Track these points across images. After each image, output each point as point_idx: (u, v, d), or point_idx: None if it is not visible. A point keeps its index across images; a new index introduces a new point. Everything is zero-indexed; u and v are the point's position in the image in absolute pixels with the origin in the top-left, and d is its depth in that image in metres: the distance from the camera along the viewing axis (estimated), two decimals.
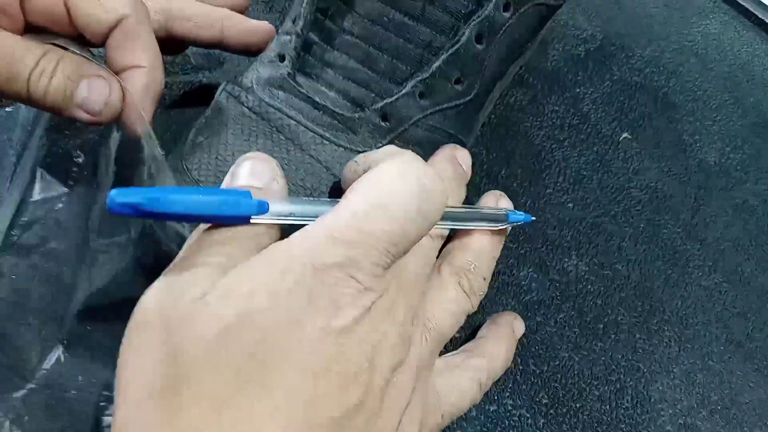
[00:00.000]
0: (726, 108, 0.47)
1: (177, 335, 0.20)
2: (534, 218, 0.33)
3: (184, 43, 0.36)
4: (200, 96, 0.39)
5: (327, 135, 0.33)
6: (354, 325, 0.21)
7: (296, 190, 0.31)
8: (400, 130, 0.34)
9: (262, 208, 0.24)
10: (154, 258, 0.32)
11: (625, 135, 0.45)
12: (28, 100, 0.28)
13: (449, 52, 0.33)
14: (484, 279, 0.30)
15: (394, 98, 0.33)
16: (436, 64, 0.33)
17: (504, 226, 0.32)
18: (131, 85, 0.28)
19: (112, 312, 0.31)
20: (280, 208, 0.24)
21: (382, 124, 0.33)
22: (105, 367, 0.30)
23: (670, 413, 0.34)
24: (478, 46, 0.34)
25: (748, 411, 0.35)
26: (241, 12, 0.38)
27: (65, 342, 0.30)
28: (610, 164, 0.43)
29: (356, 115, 0.33)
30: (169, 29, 0.34)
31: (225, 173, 0.31)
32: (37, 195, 0.31)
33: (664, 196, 0.42)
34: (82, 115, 0.28)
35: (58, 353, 0.29)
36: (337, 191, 0.32)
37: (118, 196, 0.21)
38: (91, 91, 0.28)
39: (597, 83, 0.47)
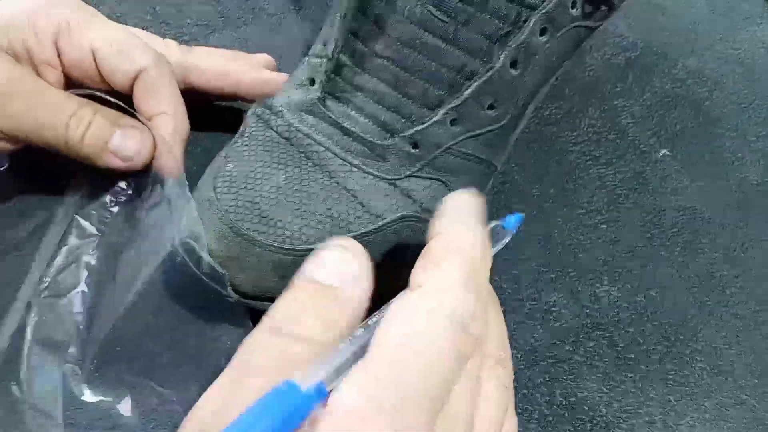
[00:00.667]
0: None
1: None
2: (522, 214, 0.29)
3: (206, 96, 0.38)
4: (231, 117, 0.39)
5: (356, 162, 0.33)
6: None
7: (323, 219, 0.31)
8: (430, 157, 0.33)
9: (322, 395, 0.20)
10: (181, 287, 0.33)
11: (664, 151, 0.44)
12: (65, 146, 0.29)
13: (482, 79, 0.33)
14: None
15: (424, 126, 0.33)
16: (469, 90, 0.33)
17: (505, 243, 0.28)
18: (159, 129, 0.30)
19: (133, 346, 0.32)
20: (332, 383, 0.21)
21: (413, 151, 0.33)
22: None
23: None
24: (513, 72, 0.33)
25: None
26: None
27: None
28: (648, 183, 0.42)
29: (386, 143, 0.33)
30: (189, 82, 0.36)
31: (252, 202, 0.31)
32: (72, 240, 0.32)
33: (703, 218, 0.41)
34: (116, 162, 0.30)
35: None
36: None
37: None
38: (125, 139, 0.30)
39: (637, 95, 0.46)
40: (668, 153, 0.43)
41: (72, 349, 0.31)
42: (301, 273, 0.24)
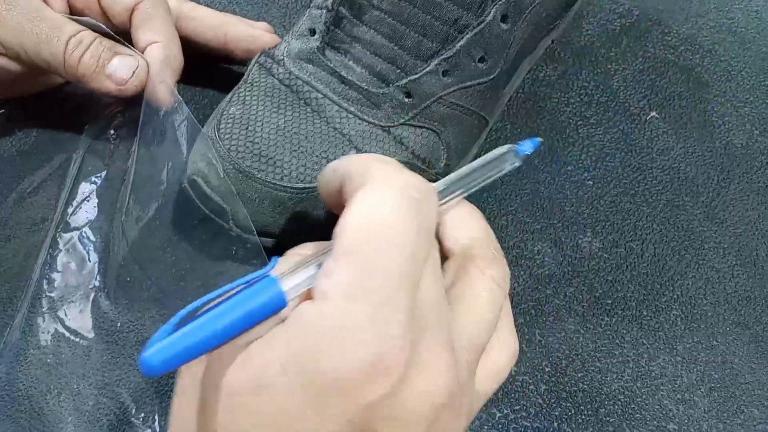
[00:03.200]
0: (760, 90, 0.46)
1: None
2: (540, 140, 0.28)
3: (194, 46, 0.39)
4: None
5: (352, 109, 0.35)
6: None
7: (319, 160, 0.33)
8: (422, 106, 0.35)
9: (281, 303, 0.21)
10: (187, 223, 0.35)
11: (653, 114, 0.45)
12: (62, 65, 0.32)
13: (474, 32, 0.34)
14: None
15: (417, 75, 0.34)
16: (460, 42, 0.34)
17: (517, 165, 0.28)
18: (151, 58, 0.32)
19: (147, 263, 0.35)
20: (295, 282, 0.22)
21: (406, 100, 0.35)
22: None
23: (669, 388, 0.36)
24: (503, 26, 0.35)
25: (747, 391, 0.36)
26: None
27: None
28: (635, 143, 0.44)
29: (381, 91, 0.35)
30: (180, 28, 0.38)
31: (252, 142, 0.33)
32: (85, 176, 0.34)
33: (686, 177, 0.43)
34: (110, 85, 0.32)
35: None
36: None
37: (153, 357, 0.19)
38: (121, 64, 0.32)
39: (630, 60, 0.47)
40: (657, 115, 0.45)
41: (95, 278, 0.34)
42: None
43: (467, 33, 0.34)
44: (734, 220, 0.41)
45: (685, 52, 0.48)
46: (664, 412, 0.35)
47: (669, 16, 0.50)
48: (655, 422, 0.35)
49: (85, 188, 0.35)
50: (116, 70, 0.33)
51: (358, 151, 0.34)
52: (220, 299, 0.20)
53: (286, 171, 0.33)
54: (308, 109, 0.35)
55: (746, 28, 0.50)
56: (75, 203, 0.36)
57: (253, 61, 0.37)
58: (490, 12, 0.34)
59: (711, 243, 0.40)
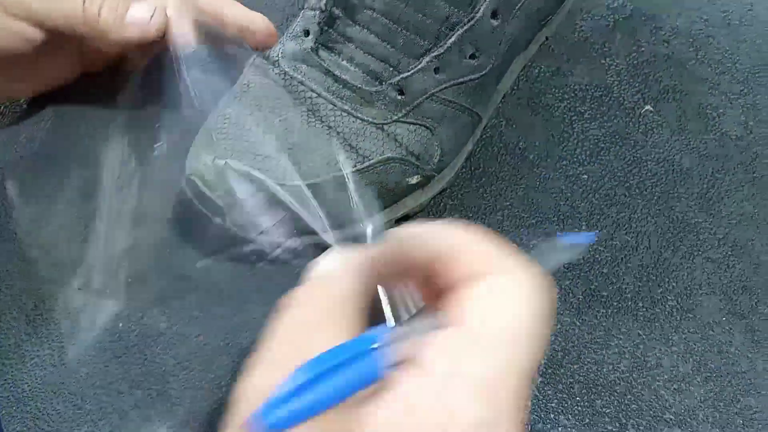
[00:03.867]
0: (753, 82, 0.47)
1: None
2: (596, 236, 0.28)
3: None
4: None
5: (346, 107, 0.35)
6: None
7: (315, 159, 0.34)
8: (415, 103, 0.36)
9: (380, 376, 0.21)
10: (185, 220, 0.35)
11: (647, 107, 0.45)
12: (83, 23, 0.33)
13: (464, 28, 0.35)
14: None
15: (410, 73, 0.35)
16: (451, 39, 0.35)
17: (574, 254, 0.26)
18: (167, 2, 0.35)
19: None
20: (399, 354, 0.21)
21: (399, 97, 0.35)
22: None
23: (666, 378, 0.36)
24: (494, 22, 0.35)
25: (743, 380, 0.36)
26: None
27: None
28: (629, 137, 0.44)
29: (374, 89, 0.35)
30: None
31: (249, 142, 0.34)
32: None
33: (681, 169, 0.43)
34: (133, 31, 0.33)
35: None
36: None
37: (271, 416, 0.19)
38: (139, 9, 0.34)
39: (623, 55, 0.48)
40: (651, 109, 0.45)
41: None
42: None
43: (458, 30, 0.35)
44: (729, 210, 0.42)
45: (679, 46, 0.48)
46: (660, 402, 0.35)
47: (662, 10, 0.50)
48: (652, 412, 0.35)
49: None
50: (135, 15, 0.34)
51: (353, 148, 0.35)
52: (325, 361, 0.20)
53: (282, 170, 0.33)
54: (303, 109, 0.35)
55: (740, 20, 0.50)
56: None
57: (248, 63, 0.37)
58: (480, 8, 0.34)
59: (706, 234, 0.41)
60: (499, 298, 0.21)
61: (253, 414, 0.18)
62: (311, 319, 0.21)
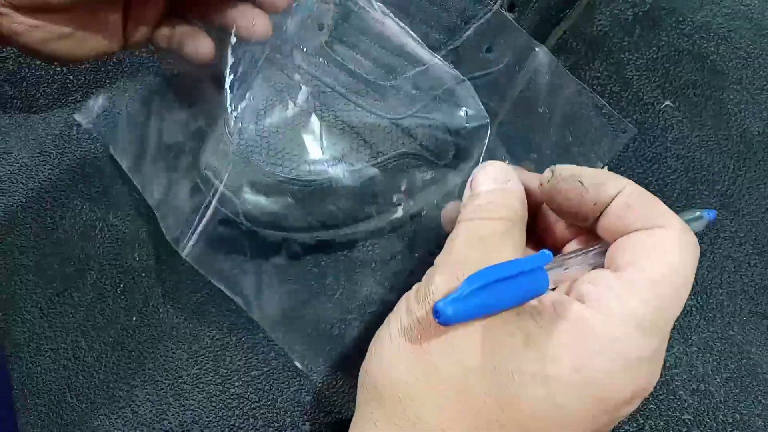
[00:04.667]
0: None
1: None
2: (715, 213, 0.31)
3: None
4: None
5: (359, 102, 0.35)
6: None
7: (328, 154, 0.34)
8: (430, 98, 0.35)
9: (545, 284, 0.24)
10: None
11: (667, 103, 0.45)
12: None
13: (480, 21, 0.34)
14: None
15: (425, 66, 0.34)
16: (467, 32, 0.34)
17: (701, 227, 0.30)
18: None
19: None
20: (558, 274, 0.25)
21: (413, 92, 0.35)
22: None
23: (684, 378, 0.35)
24: (510, 15, 0.35)
25: (764, 381, 0.35)
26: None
27: None
28: (648, 132, 0.43)
29: (388, 83, 0.35)
30: None
31: (261, 136, 0.33)
32: None
33: (702, 165, 0.42)
34: None
35: None
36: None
37: (449, 308, 0.22)
38: None
39: (643, 49, 0.47)
40: (671, 104, 0.44)
41: None
42: (473, 188, 0.28)
43: (473, 23, 0.34)
44: (751, 208, 0.41)
45: (700, 40, 0.47)
46: (679, 403, 0.35)
47: (683, 3, 0.49)
48: (670, 413, 0.34)
49: None
50: None
51: (366, 143, 0.34)
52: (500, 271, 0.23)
53: (295, 164, 0.33)
54: (317, 103, 0.35)
55: (763, 13, 0.49)
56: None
57: (262, 57, 0.37)
58: (496, 1, 0.34)
59: (727, 232, 0.40)
60: (668, 249, 0.24)
61: (437, 305, 0.21)
62: (489, 232, 0.25)
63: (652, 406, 0.35)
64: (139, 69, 0.43)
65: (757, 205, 0.41)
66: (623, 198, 0.25)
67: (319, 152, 0.34)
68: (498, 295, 0.22)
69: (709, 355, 0.36)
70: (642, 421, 0.34)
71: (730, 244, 0.39)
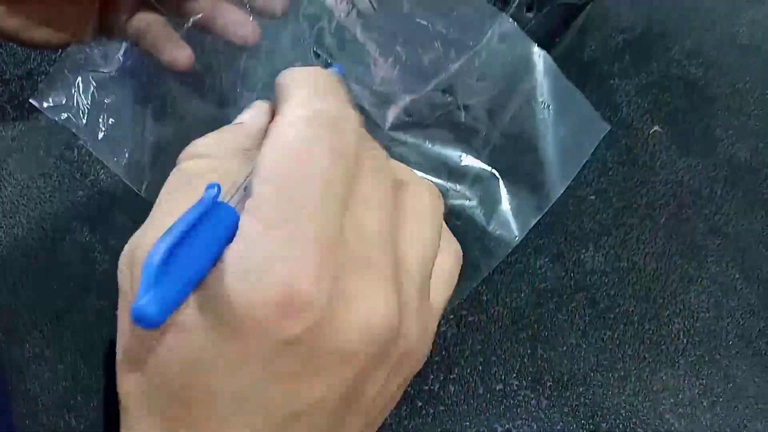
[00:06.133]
0: (765, 103, 0.47)
1: None
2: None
3: None
4: None
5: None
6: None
7: None
8: (424, 125, 0.36)
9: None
10: None
11: (655, 128, 0.46)
12: None
13: (472, 51, 0.35)
14: None
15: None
16: (459, 62, 0.35)
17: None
18: None
19: None
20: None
21: (407, 119, 0.36)
22: None
23: (671, 402, 0.36)
24: (501, 46, 0.36)
25: (750, 405, 0.36)
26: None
27: None
28: (637, 158, 0.44)
29: (382, 111, 0.36)
30: None
31: None
32: None
33: (690, 191, 0.43)
34: None
35: None
36: None
37: (151, 308, 0.17)
38: None
39: (632, 75, 0.48)
40: (659, 129, 0.45)
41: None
42: None
43: (466, 52, 0.35)
44: (738, 233, 0.42)
45: (689, 66, 0.48)
46: (666, 427, 0.35)
47: (672, 30, 0.50)
48: None
49: None
50: None
51: None
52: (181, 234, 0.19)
53: None
54: None
55: (750, 40, 0.50)
56: None
57: (267, 80, 0.38)
58: (488, 32, 0.35)
59: (714, 257, 0.41)
60: (275, 134, 0.21)
61: (134, 309, 0.17)
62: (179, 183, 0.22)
63: (639, 430, 0.35)
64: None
65: (744, 231, 0.42)
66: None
67: None
68: (191, 260, 0.18)
69: (695, 379, 0.37)
70: None
71: (717, 269, 0.40)
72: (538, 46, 0.39)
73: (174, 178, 0.23)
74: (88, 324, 0.37)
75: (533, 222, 0.35)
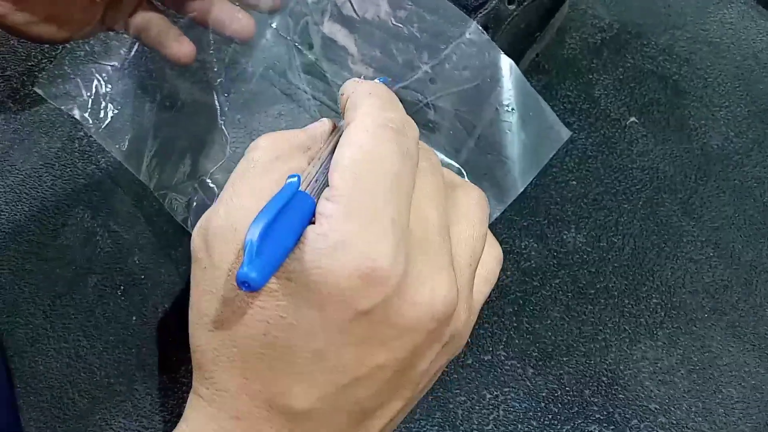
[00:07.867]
0: (734, 95, 0.49)
1: None
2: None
3: None
4: None
5: None
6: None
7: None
8: (412, 111, 0.38)
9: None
10: None
11: (632, 119, 0.48)
12: None
13: (444, 54, 0.37)
14: None
15: (406, 82, 0.37)
16: (445, 52, 0.37)
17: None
18: None
19: None
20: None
21: None
22: None
23: (651, 370, 0.38)
24: (471, 50, 0.38)
25: (725, 372, 0.38)
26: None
27: None
28: (615, 146, 0.46)
29: None
30: None
31: None
32: None
33: (665, 176, 0.45)
34: None
35: None
36: None
37: (253, 272, 0.20)
38: None
39: (610, 70, 0.50)
40: (636, 120, 0.48)
41: None
42: None
43: (451, 43, 0.37)
44: (711, 215, 0.44)
45: (663, 62, 0.51)
46: (646, 393, 0.37)
47: (647, 29, 0.53)
48: (638, 402, 0.37)
49: None
50: None
51: None
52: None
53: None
54: (307, 116, 0.38)
55: (721, 38, 0.53)
56: None
57: (257, 74, 0.40)
58: (457, 38, 0.37)
59: (689, 237, 0.43)
60: (350, 140, 0.24)
61: (239, 274, 0.20)
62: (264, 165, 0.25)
63: (621, 396, 0.37)
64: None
65: (716, 212, 0.44)
66: (344, 101, 0.28)
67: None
68: (281, 237, 0.21)
69: (673, 349, 0.39)
70: (611, 410, 0.37)
71: (692, 248, 0.42)
72: (520, 39, 0.42)
73: (243, 164, 0.26)
74: (90, 304, 0.39)
75: (495, 216, 0.37)
